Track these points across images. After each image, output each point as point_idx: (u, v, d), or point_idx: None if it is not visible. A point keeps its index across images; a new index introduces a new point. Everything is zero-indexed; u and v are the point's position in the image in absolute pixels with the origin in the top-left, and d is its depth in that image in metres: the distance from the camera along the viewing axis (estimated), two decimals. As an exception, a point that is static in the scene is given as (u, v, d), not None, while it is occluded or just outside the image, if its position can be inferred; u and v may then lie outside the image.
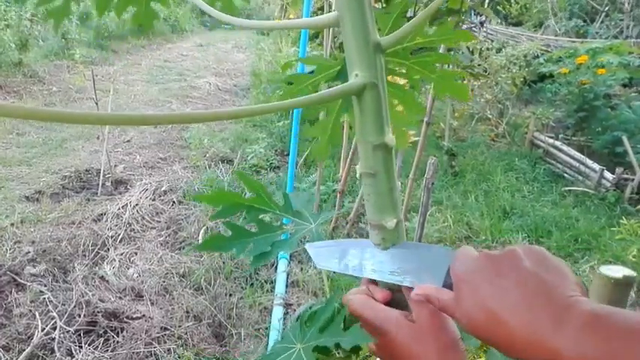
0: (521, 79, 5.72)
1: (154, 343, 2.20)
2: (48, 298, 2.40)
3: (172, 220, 3.25)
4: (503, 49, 6.00)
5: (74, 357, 2.10)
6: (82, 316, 2.29)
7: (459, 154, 4.56)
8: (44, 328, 2.20)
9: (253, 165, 4.19)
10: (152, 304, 2.45)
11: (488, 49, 5.78)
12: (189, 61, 9.07)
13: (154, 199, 3.49)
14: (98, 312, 2.33)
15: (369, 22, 0.52)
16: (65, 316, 2.29)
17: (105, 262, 2.75)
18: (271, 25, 0.68)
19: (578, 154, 4.42)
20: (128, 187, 3.67)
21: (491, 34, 7.47)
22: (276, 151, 4.58)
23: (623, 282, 1.06)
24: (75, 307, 2.36)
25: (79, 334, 2.21)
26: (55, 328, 2.21)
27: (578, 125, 4.93)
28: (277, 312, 2.43)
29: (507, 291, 0.41)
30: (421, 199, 1.93)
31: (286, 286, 2.69)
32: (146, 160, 4.23)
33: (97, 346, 2.16)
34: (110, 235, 3.00)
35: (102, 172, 3.62)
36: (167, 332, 2.28)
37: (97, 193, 3.52)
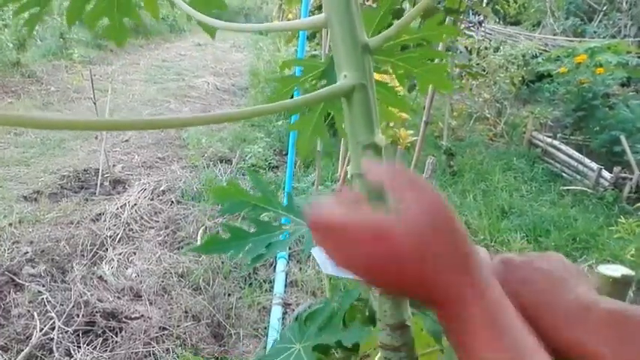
0: (520, 79, 5.72)
1: (152, 343, 2.20)
2: (46, 298, 2.40)
3: (171, 219, 3.25)
4: (501, 49, 6.00)
5: (73, 357, 2.10)
6: (80, 316, 2.29)
7: (457, 153, 4.56)
8: (43, 329, 2.20)
9: (252, 165, 4.19)
10: (151, 304, 2.45)
11: (486, 48, 5.78)
12: (188, 60, 9.06)
13: (152, 199, 3.49)
14: (97, 312, 2.33)
15: (357, 24, 0.52)
16: (64, 316, 2.29)
17: (103, 262, 2.75)
18: (263, 28, 0.68)
19: (576, 154, 4.43)
20: (126, 186, 3.67)
21: (490, 34, 7.47)
22: (274, 150, 4.58)
23: (621, 281, 1.06)
24: (73, 307, 2.36)
25: (78, 335, 2.21)
26: (53, 329, 2.21)
27: (576, 124, 4.94)
28: (276, 312, 2.43)
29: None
30: (420, 198, 1.93)
31: (285, 285, 2.69)
32: (144, 160, 4.23)
33: (96, 346, 2.16)
34: (109, 235, 3.00)
35: (100, 171, 3.62)
36: (166, 332, 2.27)
37: (95, 193, 3.51)
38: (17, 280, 2.52)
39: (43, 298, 2.40)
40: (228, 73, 8.20)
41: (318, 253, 0.64)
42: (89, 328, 2.26)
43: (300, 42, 2.73)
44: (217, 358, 2.20)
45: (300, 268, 2.84)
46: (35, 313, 2.29)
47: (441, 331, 0.74)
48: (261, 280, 2.72)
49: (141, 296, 2.50)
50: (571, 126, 5.00)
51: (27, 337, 2.16)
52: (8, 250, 2.75)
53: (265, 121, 5.20)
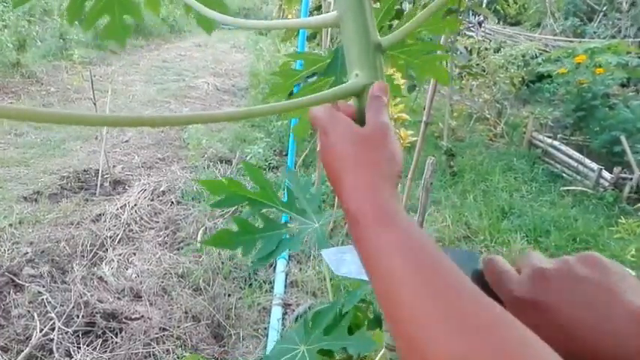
0: (520, 79, 5.72)
1: (152, 343, 2.20)
2: (46, 298, 2.40)
3: (171, 220, 3.24)
4: (501, 49, 6.00)
5: (73, 358, 2.10)
6: (80, 316, 2.29)
7: (457, 154, 4.56)
8: (43, 329, 2.20)
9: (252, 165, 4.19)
10: (151, 304, 2.45)
11: (486, 48, 5.78)
12: (188, 61, 9.05)
13: (152, 200, 3.49)
14: (97, 313, 2.33)
15: (370, 23, 0.52)
16: (64, 317, 2.28)
17: (103, 263, 2.75)
18: (270, 25, 0.68)
19: (576, 154, 4.43)
20: (126, 187, 3.67)
21: (490, 34, 7.48)
22: (274, 151, 4.58)
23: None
24: (73, 307, 2.35)
25: (78, 335, 2.21)
26: (53, 329, 2.21)
27: (576, 125, 4.93)
28: (276, 312, 2.43)
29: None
30: (420, 199, 1.93)
31: (285, 286, 2.69)
32: (144, 161, 4.22)
33: (96, 347, 2.16)
34: (109, 235, 3.00)
35: (100, 172, 3.62)
36: (166, 333, 2.27)
37: (95, 194, 3.51)
38: (17, 280, 2.52)
39: (43, 299, 2.40)
40: (229, 74, 8.20)
41: (328, 255, 0.63)
42: (89, 328, 2.26)
43: (300, 42, 2.73)
44: (217, 358, 2.19)
45: (301, 269, 2.83)
46: (35, 314, 2.29)
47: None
48: (261, 281, 2.72)
49: (141, 297, 2.50)
50: (571, 126, 5.00)
51: (27, 338, 2.16)
52: (8, 250, 2.74)
53: (265, 121, 5.19)
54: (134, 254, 2.87)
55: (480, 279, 0.48)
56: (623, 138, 4.21)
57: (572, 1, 9.01)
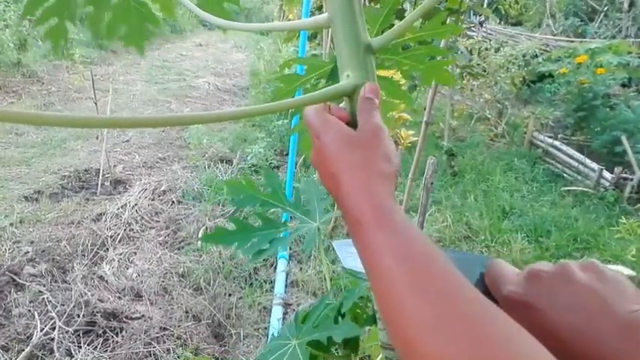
0: (521, 79, 5.72)
1: (153, 343, 2.20)
2: (47, 298, 2.40)
3: (171, 219, 3.25)
4: (502, 49, 6.00)
5: (73, 357, 2.10)
6: (81, 316, 2.29)
7: (458, 153, 4.56)
8: (43, 328, 2.20)
9: (252, 165, 4.19)
10: (151, 304, 2.45)
11: (487, 48, 5.78)
12: (189, 61, 9.06)
13: (153, 199, 3.49)
14: (97, 312, 2.33)
15: (360, 24, 0.53)
16: (64, 316, 2.29)
17: (104, 262, 2.75)
18: (266, 27, 0.68)
19: (577, 154, 4.43)
20: (127, 187, 3.67)
21: (490, 34, 7.47)
22: (275, 150, 4.58)
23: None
24: (74, 307, 2.36)
25: (78, 334, 2.21)
26: (54, 328, 2.21)
27: (577, 125, 4.93)
28: (276, 312, 2.43)
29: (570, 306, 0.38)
30: (420, 199, 1.93)
31: (285, 286, 2.69)
32: (145, 160, 4.23)
33: (97, 346, 2.16)
34: (109, 235, 3.00)
35: (101, 171, 3.62)
36: (166, 332, 2.28)
37: (96, 193, 3.52)
38: (18, 280, 2.52)
39: (43, 298, 2.40)
40: (229, 74, 8.20)
41: (339, 247, 0.65)
42: (90, 328, 2.26)
43: (301, 42, 2.73)
44: (218, 358, 2.20)
45: (301, 268, 2.84)
46: (36, 313, 2.29)
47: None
48: (262, 280, 2.72)
49: (141, 296, 2.50)
50: (572, 126, 5.00)
51: (28, 337, 2.17)
52: (9, 250, 2.75)
53: (266, 121, 5.20)
54: (135, 254, 2.87)
55: (484, 282, 0.48)
56: (623, 138, 4.21)
57: (572, 1, 9.00)
